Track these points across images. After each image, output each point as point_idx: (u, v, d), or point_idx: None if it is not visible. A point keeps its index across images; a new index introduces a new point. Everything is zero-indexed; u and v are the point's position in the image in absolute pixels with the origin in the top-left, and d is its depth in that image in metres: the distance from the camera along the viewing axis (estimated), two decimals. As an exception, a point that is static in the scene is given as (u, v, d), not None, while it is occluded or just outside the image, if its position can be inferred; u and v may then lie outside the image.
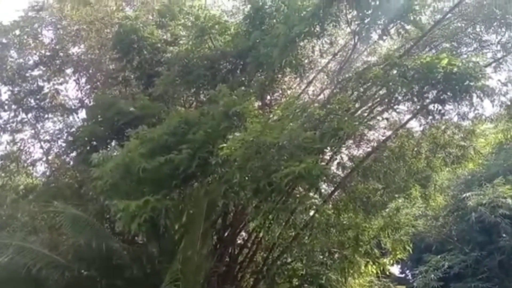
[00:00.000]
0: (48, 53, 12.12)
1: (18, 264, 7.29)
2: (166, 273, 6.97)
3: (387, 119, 10.31)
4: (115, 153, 7.71)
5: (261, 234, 10.31)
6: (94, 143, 9.69)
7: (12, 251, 7.45)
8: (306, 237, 10.36)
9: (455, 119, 10.36)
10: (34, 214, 10.33)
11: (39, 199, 10.41)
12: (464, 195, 18.03)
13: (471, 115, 10.23)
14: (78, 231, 7.76)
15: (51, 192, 10.33)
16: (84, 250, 7.77)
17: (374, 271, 11.15)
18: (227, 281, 9.46)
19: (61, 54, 12.18)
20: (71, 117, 12.43)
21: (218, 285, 9.13)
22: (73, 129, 11.67)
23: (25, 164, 12.59)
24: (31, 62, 12.14)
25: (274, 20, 9.02)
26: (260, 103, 10.07)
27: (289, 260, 10.68)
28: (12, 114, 12.01)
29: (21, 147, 12.50)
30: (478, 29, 10.25)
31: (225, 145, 6.84)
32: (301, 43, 8.78)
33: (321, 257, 10.66)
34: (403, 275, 23.20)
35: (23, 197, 11.58)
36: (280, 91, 11.06)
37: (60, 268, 7.44)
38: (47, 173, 12.52)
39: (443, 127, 10.67)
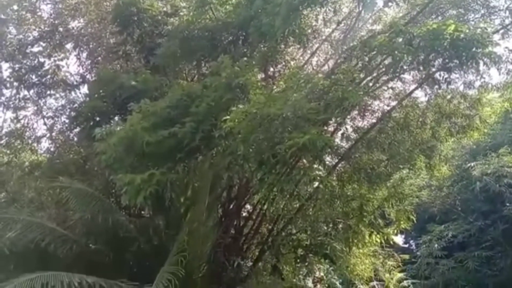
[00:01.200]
0: (47, 28, 11.99)
1: (27, 238, 7.40)
2: (172, 245, 7.07)
3: (392, 88, 10.18)
4: (118, 128, 7.66)
5: (265, 206, 10.39)
6: (97, 118, 9.63)
7: (21, 226, 7.56)
8: (311, 209, 10.45)
9: (461, 88, 10.28)
10: (41, 190, 10.43)
11: (44, 175, 10.48)
12: (468, 165, 17.98)
13: (477, 83, 10.12)
14: (85, 205, 7.85)
15: (56, 168, 10.39)
16: (91, 224, 7.87)
17: (378, 241, 11.26)
18: (233, 252, 9.58)
19: (60, 29, 12.04)
20: (73, 93, 12.43)
21: (224, 256, 9.25)
22: (76, 105, 11.65)
23: (30, 141, 12.64)
24: (31, 38, 12.03)
25: (276, -12, 8.78)
26: (263, 75, 9.95)
27: (293, 231, 10.79)
28: (14, 91, 11.98)
29: (25, 124, 12.52)
30: (486, -6, 9.97)
31: (228, 117, 6.78)
32: (304, 12, 8.57)
33: (326, 227, 10.75)
34: (407, 245, 23.49)
35: (29, 173, 11.67)
36: (283, 62, 10.90)
37: (68, 242, 7.55)
38: (52, 149, 12.58)
39: (448, 96, 10.54)
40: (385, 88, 9.90)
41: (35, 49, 12.01)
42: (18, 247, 7.52)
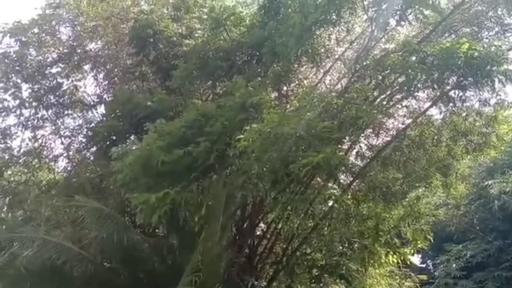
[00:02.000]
0: (66, 50, 12.26)
1: (43, 257, 7.46)
2: (186, 264, 7.06)
3: (406, 107, 10.16)
4: (134, 147, 7.77)
5: (280, 225, 10.35)
6: (114, 137, 9.81)
7: (37, 244, 7.64)
8: (325, 228, 10.37)
9: (477, 105, 10.16)
10: (57, 209, 10.53)
11: (61, 194, 10.61)
12: (486, 183, 17.66)
13: (493, 101, 9.97)
14: (100, 224, 7.89)
15: (73, 186, 10.51)
16: (106, 243, 7.90)
17: (395, 261, 11.08)
18: (247, 271, 9.51)
19: (78, 50, 12.31)
20: (90, 113, 12.61)
21: (238, 276, 9.18)
22: (93, 124, 11.84)
23: (47, 160, 12.81)
24: (49, 59, 12.28)
25: (289, 9, 8.90)
26: (276, 94, 10.02)
27: (308, 250, 10.70)
28: (33, 111, 12.17)
29: (43, 143, 12.72)
30: (499, 12, 9.91)
31: (242, 136, 6.83)
32: (317, 32, 8.64)
33: (341, 247, 10.65)
34: (424, 265, 22.97)
35: (46, 192, 11.82)
36: (297, 81, 10.96)
37: (84, 261, 7.59)
38: (68, 168, 12.73)
39: (464, 114, 10.45)
40: (399, 106, 9.88)
41: (54, 70, 12.27)
42: (34, 266, 7.59)
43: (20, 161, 12.58)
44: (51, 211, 10.60)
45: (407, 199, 10.93)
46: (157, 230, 9.15)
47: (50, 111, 12.29)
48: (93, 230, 8.17)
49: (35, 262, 7.52)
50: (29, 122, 12.32)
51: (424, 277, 15.84)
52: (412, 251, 11.53)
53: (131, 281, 7.66)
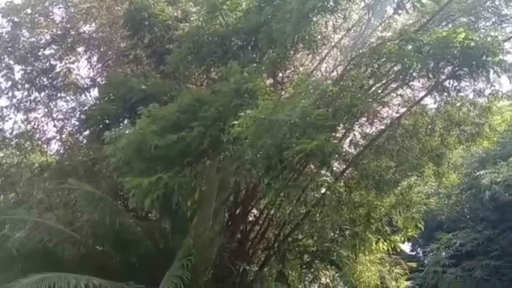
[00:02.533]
0: (59, 32, 12.12)
1: (35, 239, 7.48)
2: (179, 248, 7.09)
3: (401, 95, 10.15)
4: (127, 131, 7.73)
5: (272, 212, 10.40)
6: (107, 121, 9.74)
7: (29, 227, 7.64)
8: (317, 215, 10.43)
9: (471, 96, 10.20)
10: (49, 191, 10.52)
11: (53, 177, 10.58)
12: (478, 173, 17.83)
13: (487, 91, 10.01)
14: (92, 207, 7.90)
15: (65, 170, 10.48)
16: (98, 226, 7.93)
17: (385, 248, 11.20)
18: (238, 257, 9.58)
19: (72, 32, 12.17)
20: (83, 96, 12.53)
21: (230, 261, 9.25)
22: (86, 108, 11.75)
23: (39, 143, 12.75)
24: (43, 41, 12.15)
25: (287, -5, 8.81)
26: (272, 80, 9.97)
27: (300, 237, 10.79)
28: (26, 93, 12.09)
29: (35, 126, 12.65)
30: (497, 3, 9.92)
31: (236, 122, 6.80)
32: (314, 18, 8.56)
33: (332, 234, 10.74)
34: (414, 253, 23.29)
35: (38, 175, 11.80)
36: (292, 68, 10.92)
37: (76, 243, 7.63)
38: (61, 151, 12.69)
39: (458, 104, 10.48)
40: (394, 95, 9.88)
41: (47, 52, 12.15)
42: (26, 248, 7.61)
43: (12, 143, 12.54)
44: (43, 194, 10.60)
45: (399, 188, 11.01)
46: (149, 214, 9.17)
47: (42, 94, 12.21)
48: (85, 213, 8.19)
49: (27, 244, 7.54)
50: (21, 104, 12.25)
51: (413, 264, 16.06)
52: (402, 238, 11.66)
53: (123, 264, 7.70)
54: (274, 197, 9.91)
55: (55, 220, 8.59)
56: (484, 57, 7.26)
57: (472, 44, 7.19)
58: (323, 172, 8.50)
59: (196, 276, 6.95)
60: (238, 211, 10.42)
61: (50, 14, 12.11)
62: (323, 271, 10.99)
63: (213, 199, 7.55)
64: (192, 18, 10.43)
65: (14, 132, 12.57)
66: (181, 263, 6.63)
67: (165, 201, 7.18)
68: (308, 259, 10.52)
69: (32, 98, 12.21)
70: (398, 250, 12.07)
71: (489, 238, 18.74)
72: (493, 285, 17.89)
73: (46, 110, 12.54)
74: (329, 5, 8.09)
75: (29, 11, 11.75)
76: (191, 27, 10.03)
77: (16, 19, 11.61)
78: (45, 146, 12.82)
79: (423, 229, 11.82)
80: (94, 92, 12.32)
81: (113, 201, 8.35)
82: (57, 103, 12.73)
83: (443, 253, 19.30)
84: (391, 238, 11.01)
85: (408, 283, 14.23)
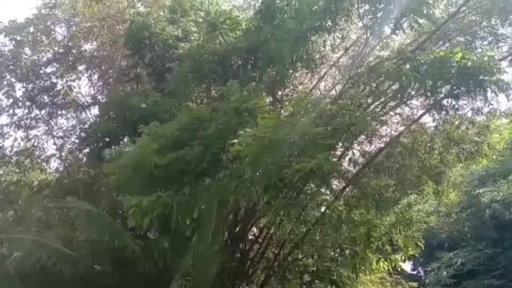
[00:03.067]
0: (61, 50, 12.24)
1: (33, 258, 7.41)
2: (178, 267, 7.03)
3: (399, 114, 10.21)
4: (127, 149, 7.75)
5: (272, 230, 10.33)
6: (107, 139, 9.78)
7: (27, 246, 7.58)
8: (317, 233, 10.35)
9: (469, 114, 10.25)
10: (48, 210, 10.46)
11: (52, 195, 10.55)
12: (478, 191, 17.81)
13: (485, 110, 10.06)
14: (91, 226, 7.84)
15: (65, 187, 10.47)
16: (97, 245, 7.85)
17: (386, 268, 11.09)
18: (238, 276, 9.49)
19: (74, 51, 12.29)
20: (84, 114, 12.59)
21: (230, 281, 9.16)
22: (86, 126, 11.80)
23: (39, 160, 12.75)
24: (44, 59, 12.26)
25: (285, 15, 8.94)
26: (271, 99, 10.04)
27: (300, 256, 10.68)
28: (26, 110, 12.14)
29: (35, 143, 12.66)
30: (493, 22, 10.04)
31: (236, 141, 6.83)
32: (313, 38, 8.71)
33: (332, 253, 10.63)
34: (415, 272, 23.05)
35: (37, 192, 11.76)
36: (292, 87, 11.00)
37: (74, 262, 7.55)
38: (61, 169, 12.67)
39: (456, 122, 10.52)
40: (393, 113, 9.93)
41: (48, 70, 12.24)
42: (24, 267, 7.52)
43: (12, 161, 12.53)
44: (42, 212, 10.53)
45: (399, 206, 10.95)
46: (148, 233, 9.11)
47: (43, 111, 12.26)
48: (84, 232, 8.12)
49: (25, 263, 7.46)
50: (22, 122, 12.29)
51: (415, 284, 15.85)
52: (403, 258, 11.53)
53: (122, 283, 7.62)
54: (274, 216, 9.86)
55: (53, 239, 8.49)
56: (481, 77, 7.34)
57: (469, 63, 7.28)
58: (322, 190, 8.50)
59: (195, 296, 6.87)
60: (237, 229, 10.36)
61: (52, 33, 12.24)
62: (323, 291, 10.83)
63: (212, 217, 7.50)
64: (192, 37, 10.56)
65: (14, 150, 12.59)
66: (180, 282, 6.58)
67: (164, 220, 7.15)
68: (308, 279, 10.39)
69: (32, 115, 12.26)
70: (399, 269, 11.92)
71: (490, 257, 18.59)
72: (495, 305, 17.68)
73: (46, 127, 12.58)
74: (327, 25, 8.26)
75: (31, 29, 11.88)
76: (192, 46, 10.16)
77: (18, 38, 11.73)
78: (44, 163, 12.82)
79: (423, 248, 11.71)
80: (95, 110, 12.40)
81: (112, 220, 8.30)
82: (58, 121, 12.78)
83: (444, 273, 19.10)
84: (392, 257, 10.90)
85: (409, 303, 14.00)
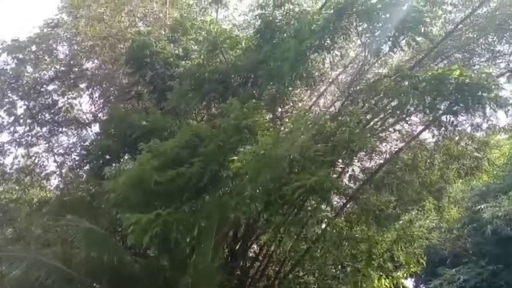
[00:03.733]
0: (62, 68, 12.36)
1: (32, 277, 7.36)
2: (178, 285, 6.98)
3: (399, 131, 10.25)
4: (127, 167, 7.77)
5: (272, 248, 10.28)
6: (107, 156, 9.81)
7: (26, 264, 7.54)
8: (318, 251, 10.29)
9: (469, 130, 10.33)
10: (48, 227, 10.43)
11: (52, 212, 10.52)
12: (479, 207, 17.72)
13: (484, 126, 10.17)
14: (91, 244, 7.80)
15: (65, 205, 10.44)
16: (96, 263, 7.79)
17: (388, 285, 11.00)
18: (238, 295, 9.41)
19: (75, 69, 12.41)
20: (84, 131, 12.63)
21: (230, 299, 9.08)
22: (87, 143, 11.85)
23: (39, 178, 12.75)
24: (46, 77, 12.38)
25: (285, 34, 9.07)
26: (271, 116, 10.09)
27: (301, 273, 10.61)
28: (27, 128, 12.20)
29: (36, 161, 12.68)
30: (490, 40, 10.19)
31: (236, 158, 6.86)
32: (312, 56, 8.80)
33: (334, 270, 10.58)
34: (417, 289, 22.81)
35: (37, 210, 11.72)
36: (291, 104, 11.09)
37: (73, 281, 7.49)
38: (61, 186, 12.66)
39: (456, 138, 10.57)
40: (392, 130, 9.98)
41: (50, 87, 12.36)
42: (22, 286, 7.47)
43: (12, 178, 12.53)
44: (42, 230, 10.49)
45: (400, 222, 10.93)
46: (148, 251, 9.05)
47: (44, 129, 12.32)
48: (84, 250, 8.07)
49: (24, 281, 7.41)
50: (22, 139, 12.34)
51: (417, 301, 15.71)
52: (405, 274, 11.46)
53: (121, 302, 7.54)
54: (274, 233, 9.84)
55: (52, 257, 8.44)
56: (479, 93, 7.38)
57: (467, 80, 7.32)
58: (323, 207, 8.48)
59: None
60: (238, 246, 10.29)
61: (54, 51, 12.38)
62: (325, 309, 10.72)
63: (212, 235, 7.48)
64: (193, 56, 10.68)
65: (14, 167, 12.61)
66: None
67: (164, 238, 7.11)
68: (309, 297, 10.33)
69: (33, 133, 12.32)
70: (401, 286, 11.83)
71: (493, 273, 18.38)
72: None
73: (47, 145, 12.61)
74: (326, 44, 8.34)
75: (33, 48, 12.03)
76: (192, 64, 10.26)
77: (20, 56, 11.87)
78: (45, 181, 12.81)
79: (425, 264, 11.64)
80: (95, 128, 12.44)
81: (112, 238, 8.27)
82: (59, 138, 12.82)
83: (447, 290, 18.89)
84: (393, 274, 10.85)
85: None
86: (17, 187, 12.56)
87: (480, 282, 18.42)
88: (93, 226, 7.86)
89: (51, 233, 10.37)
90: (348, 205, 10.58)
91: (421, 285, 23.01)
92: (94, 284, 7.75)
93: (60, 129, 12.51)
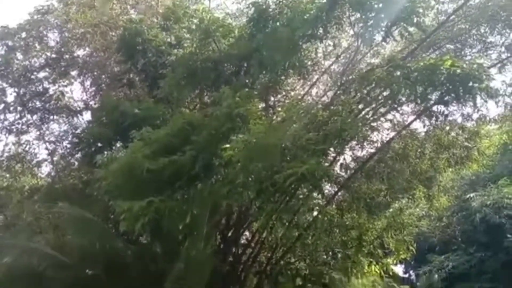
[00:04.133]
0: (53, 56, 12.21)
1: (24, 263, 7.39)
2: (170, 272, 7.05)
3: (390, 120, 10.33)
4: (119, 155, 7.77)
5: (264, 235, 10.38)
6: (99, 144, 9.77)
7: (18, 251, 7.56)
8: (310, 238, 10.42)
9: (459, 120, 10.43)
10: (39, 215, 10.42)
11: (44, 200, 10.51)
12: (468, 195, 18.00)
13: (475, 116, 10.29)
14: (83, 231, 7.85)
15: (56, 192, 10.42)
16: (88, 250, 7.84)
17: (378, 271, 11.19)
18: (231, 280, 9.51)
19: (66, 56, 12.27)
20: (76, 119, 12.54)
21: (222, 285, 9.17)
22: (78, 131, 11.77)
23: (30, 165, 12.68)
24: (36, 64, 12.21)
25: (278, 23, 9.04)
26: (263, 105, 10.11)
27: (292, 260, 10.74)
28: (18, 115, 12.09)
29: (26, 148, 12.60)
30: (482, 31, 10.23)
31: (228, 146, 6.89)
32: (304, 46, 8.81)
33: (325, 257, 10.72)
34: (406, 275, 23.22)
35: (28, 197, 11.69)
36: (284, 93, 11.09)
37: (65, 267, 7.53)
38: (52, 174, 12.62)
39: (447, 128, 10.70)
40: (384, 119, 10.04)
41: (41, 75, 12.20)
42: (14, 272, 7.49)
43: (3, 166, 12.45)
44: (33, 217, 10.47)
45: (390, 210, 11.08)
46: (140, 238, 9.10)
47: (35, 116, 12.20)
48: (76, 237, 8.11)
49: (16, 268, 7.43)
50: (13, 127, 12.21)
51: (406, 287, 15.99)
52: (394, 261, 11.66)
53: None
54: (266, 220, 9.92)
55: (44, 244, 8.47)
56: (470, 84, 7.44)
57: (459, 71, 7.38)
58: (314, 195, 8.57)
59: (187, 300, 6.89)
60: (230, 234, 10.38)
61: (45, 38, 12.22)
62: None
63: (204, 222, 7.54)
64: (185, 44, 10.63)
65: (5, 155, 12.51)
66: (173, 287, 6.59)
67: (156, 225, 7.16)
68: (300, 283, 10.44)
69: (24, 120, 12.20)
70: (391, 273, 12.04)
71: (481, 261, 18.76)
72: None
73: (38, 132, 12.53)
74: (318, 33, 8.35)
75: (23, 35, 11.87)
76: (184, 52, 10.21)
77: (10, 43, 11.72)
78: (36, 168, 12.75)
79: (415, 251, 11.84)
80: (87, 115, 12.36)
81: (104, 225, 8.30)
82: (49, 126, 12.71)
83: (436, 276, 19.24)
84: (383, 261, 11.02)
85: (401, 306, 14.12)
86: (7, 175, 12.49)
87: (468, 269, 18.81)
88: (85, 213, 7.88)
89: (43, 220, 10.37)
90: (339, 193, 10.68)
91: (411, 272, 23.43)
92: (87, 270, 7.76)
93: (51, 117, 12.40)
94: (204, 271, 7.45)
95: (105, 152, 8.17)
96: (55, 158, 12.51)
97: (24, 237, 8.70)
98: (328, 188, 10.72)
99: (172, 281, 6.82)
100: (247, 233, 11.32)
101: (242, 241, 11.13)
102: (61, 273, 7.53)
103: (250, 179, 7.02)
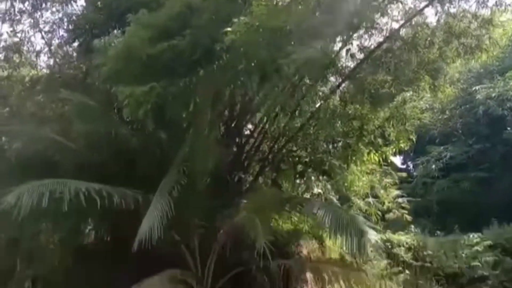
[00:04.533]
0: None
1: (31, 149, 7.54)
2: (175, 158, 7.21)
3: (401, 2, 9.74)
4: (116, 40, 7.45)
5: (267, 125, 10.48)
6: (95, 31, 9.38)
7: (26, 138, 7.68)
8: (312, 127, 10.52)
9: (474, 7, 9.85)
10: (42, 104, 10.42)
11: (45, 90, 10.43)
12: (474, 88, 17.79)
13: (491, 2, 9.66)
14: (88, 119, 7.87)
15: (57, 82, 10.28)
16: (94, 137, 7.94)
17: (376, 160, 11.48)
18: (234, 167, 9.80)
19: None
20: (70, 6, 11.89)
21: (226, 171, 9.46)
22: (73, 18, 11.22)
23: (28, 55, 12.39)
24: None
25: None
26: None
27: (294, 148, 10.97)
28: (9, 3, 11.49)
29: (22, 38, 12.18)
30: None
31: (229, 29, 6.56)
32: None
33: (325, 146, 10.92)
34: (404, 166, 23.94)
35: (30, 88, 11.58)
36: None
37: (72, 153, 7.69)
38: (51, 64, 12.39)
39: (460, 15, 10.14)
40: (395, 2, 9.47)
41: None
42: (23, 158, 7.68)
43: (0, 56, 12.17)
44: (36, 107, 10.49)
45: (394, 102, 10.97)
46: (145, 128, 9.15)
47: (26, 3, 11.59)
48: (81, 125, 8.15)
49: (22, 154, 7.60)
50: (6, 16, 11.68)
51: (403, 174, 16.55)
52: (394, 150, 11.87)
53: (121, 173, 7.81)
54: (269, 110, 9.94)
55: (50, 132, 8.55)
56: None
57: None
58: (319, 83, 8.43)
59: (193, 183, 7.14)
60: (233, 124, 10.46)
61: None
62: (316, 182, 11.32)
63: (208, 110, 7.52)
64: None
65: (1, 45, 12.16)
66: (178, 168, 6.79)
67: (159, 113, 7.14)
68: (301, 169, 10.80)
69: (16, 9, 11.64)
70: (389, 162, 12.37)
71: (480, 152, 19.19)
72: (479, 196, 18.60)
73: (32, 21, 11.99)
74: None
75: None
76: None
77: None
78: (34, 59, 12.48)
79: (415, 142, 11.98)
80: (81, 2, 11.70)
81: (108, 111, 8.30)
82: (43, 14, 12.13)
83: (433, 165, 19.84)
84: (383, 149, 11.23)
85: (397, 192, 14.77)
86: (6, 65, 12.23)
87: (466, 159, 19.33)
88: (88, 100, 7.84)
89: (47, 109, 10.39)
90: (343, 84, 10.52)
91: (409, 162, 24.18)
92: (92, 156, 7.92)
93: (43, 4, 11.75)
94: (209, 157, 7.60)
95: (102, 38, 7.81)
96: (52, 48, 12.16)
97: (30, 125, 8.77)
98: (333, 79, 10.55)
99: (178, 163, 6.99)
100: (250, 125, 11.42)
101: (246, 132, 11.28)
102: (68, 158, 7.71)
103: (253, 64, 6.82)
